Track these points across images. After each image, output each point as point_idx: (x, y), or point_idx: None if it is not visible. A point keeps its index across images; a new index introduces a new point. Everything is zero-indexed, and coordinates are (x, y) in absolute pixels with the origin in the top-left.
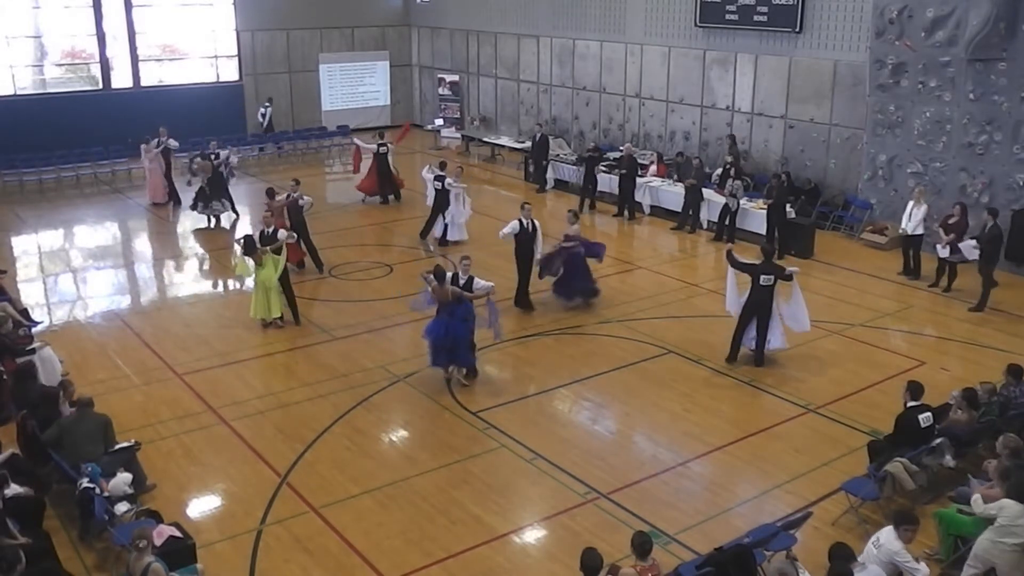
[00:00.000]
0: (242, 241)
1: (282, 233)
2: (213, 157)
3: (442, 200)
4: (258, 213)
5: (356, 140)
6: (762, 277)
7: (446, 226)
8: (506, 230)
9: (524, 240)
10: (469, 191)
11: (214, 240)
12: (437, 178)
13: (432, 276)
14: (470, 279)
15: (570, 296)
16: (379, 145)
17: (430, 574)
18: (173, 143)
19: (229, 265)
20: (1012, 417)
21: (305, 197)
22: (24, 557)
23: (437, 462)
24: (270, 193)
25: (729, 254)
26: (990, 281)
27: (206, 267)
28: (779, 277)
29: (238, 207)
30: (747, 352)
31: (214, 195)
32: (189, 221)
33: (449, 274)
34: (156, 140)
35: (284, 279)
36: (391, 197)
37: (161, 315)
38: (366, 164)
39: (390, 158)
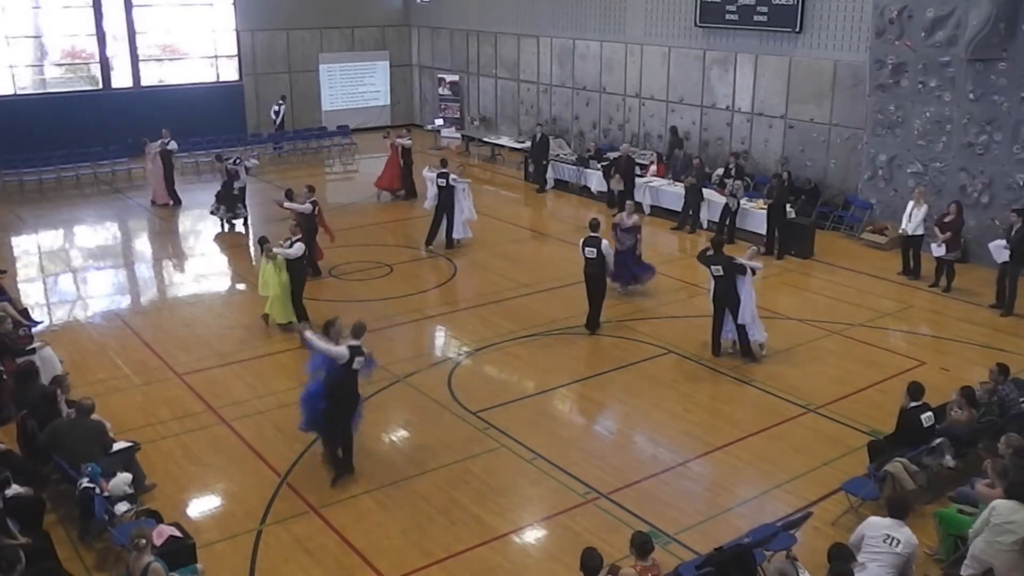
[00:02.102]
0: (260, 240)
1: (298, 246)
2: (231, 162)
3: (446, 199)
4: (260, 214)
5: (397, 139)
6: (712, 268)
7: (449, 229)
8: (608, 254)
9: (599, 262)
10: (472, 189)
11: (216, 241)
12: (440, 175)
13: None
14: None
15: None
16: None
17: (430, 574)
18: (173, 145)
19: (232, 265)
20: (1012, 417)
21: (304, 203)
22: (24, 557)
23: (437, 462)
24: (289, 195)
25: (700, 254)
26: (1014, 282)
27: (207, 267)
28: (727, 267)
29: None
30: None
31: (226, 200)
32: (189, 221)
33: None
34: (160, 141)
35: (298, 289)
36: (402, 193)
37: (161, 315)
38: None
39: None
